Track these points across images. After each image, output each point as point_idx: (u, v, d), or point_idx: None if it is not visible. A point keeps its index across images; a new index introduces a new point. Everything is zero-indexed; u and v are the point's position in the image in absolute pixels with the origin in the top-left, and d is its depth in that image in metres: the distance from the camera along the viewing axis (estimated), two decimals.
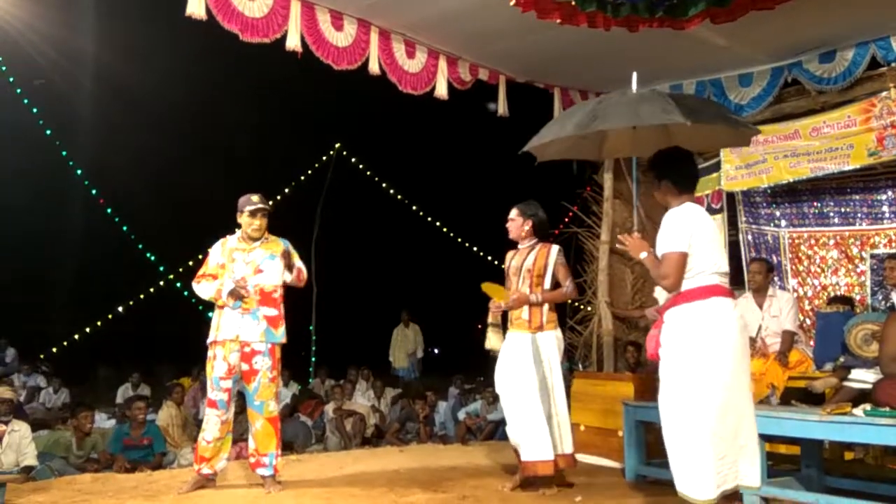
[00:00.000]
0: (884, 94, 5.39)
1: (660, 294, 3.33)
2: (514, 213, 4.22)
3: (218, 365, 4.03)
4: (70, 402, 8.81)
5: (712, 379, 2.76)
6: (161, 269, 10.75)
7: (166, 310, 11.30)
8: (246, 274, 4.10)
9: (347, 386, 8.12)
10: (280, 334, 4.14)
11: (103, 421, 7.31)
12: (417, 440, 7.04)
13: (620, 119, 3.32)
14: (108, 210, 10.83)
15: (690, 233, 2.82)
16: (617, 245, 3.18)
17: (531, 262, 4.08)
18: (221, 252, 4.24)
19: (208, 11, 4.40)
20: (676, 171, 2.98)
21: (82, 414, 5.87)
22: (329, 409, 7.30)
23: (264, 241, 4.25)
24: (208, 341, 4.12)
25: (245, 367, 4.04)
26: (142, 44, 10.37)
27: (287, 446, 6.70)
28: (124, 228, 10.87)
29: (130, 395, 8.24)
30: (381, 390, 8.54)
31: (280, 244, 4.28)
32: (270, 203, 4.29)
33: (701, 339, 2.78)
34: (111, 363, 11.92)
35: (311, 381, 10.21)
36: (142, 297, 10.57)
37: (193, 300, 11.32)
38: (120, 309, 10.45)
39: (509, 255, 4.31)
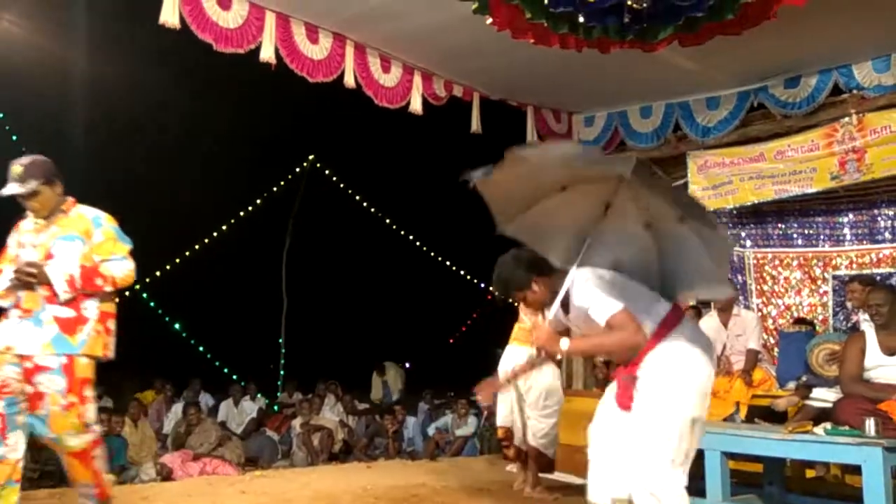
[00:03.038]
0: (845, 119, 5.55)
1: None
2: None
3: None
4: None
5: None
6: None
7: (132, 321, 11.05)
8: (32, 260, 3.10)
9: (316, 400, 8.03)
10: (79, 343, 3.07)
11: None
12: (386, 456, 6.99)
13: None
14: None
15: (612, 283, 2.54)
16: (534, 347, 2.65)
17: None
18: (17, 237, 3.26)
19: (182, 20, 4.37)
20: (540, 263, 2.68)
21: None
22: (296, 423, 7.21)
23: (61, 216, 3.21)
24: None
25: (29, 388, 3.02)
26: (113, 49, 10.22)
27: (252, 461, 6.61)
28: None
29: None
30: (350, 405, 8.46)
31: (87, 220, 3.24)
32: (35, 185, 3.11)
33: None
34: None
35: (279, 394, 10.08)
36: None
37: (160, 311, 11.18)
38: None
39: None
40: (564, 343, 2.50)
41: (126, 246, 3.30)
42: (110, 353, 3.26)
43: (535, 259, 2.68)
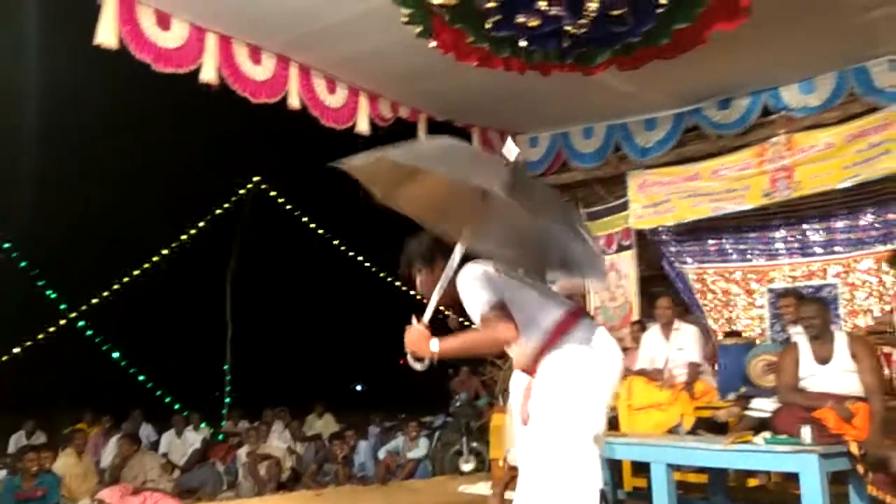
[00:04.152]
0: (774, 139, 5.82)
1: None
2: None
3: None
4: None
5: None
6: (62, 306, 10.13)
7: (67, 351, 10.62)
8: None
9: (262, 428, 7.83)
10: None
11: None
12: (336, 482, 6.85)
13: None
14: (7, 244, 10.18)
15: (496, 282, 2.37)
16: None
17: None
18: None
19: (120, 41, 4.28)
20: (433, 253, 2.52)
21: None
22: (242, 452, 7.01)
23: None
24: None
25: None
26: (51, 71, 9.93)
27: (191, 493, 6.37)
28: (23, 264, 10.21)
29: (24, 443, 7.66)
30: (299, 431, 8.28)
31: None
32: None
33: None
34: (3, 409, 11.08)
35: (223, 423, 9.79)
36: (40, 337, 9.90)
37: (98, 339, 10.76)
38: (16, 350, 9.74)
39: None
40: (434, 345, 2.28)
41: None
42: None
43: (432, 248, 2.52)
